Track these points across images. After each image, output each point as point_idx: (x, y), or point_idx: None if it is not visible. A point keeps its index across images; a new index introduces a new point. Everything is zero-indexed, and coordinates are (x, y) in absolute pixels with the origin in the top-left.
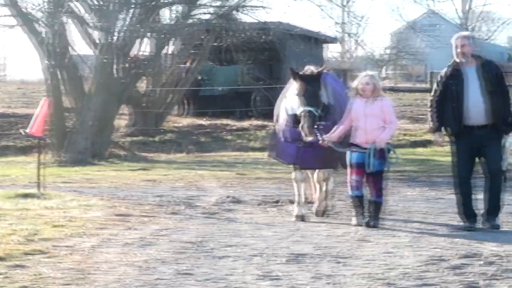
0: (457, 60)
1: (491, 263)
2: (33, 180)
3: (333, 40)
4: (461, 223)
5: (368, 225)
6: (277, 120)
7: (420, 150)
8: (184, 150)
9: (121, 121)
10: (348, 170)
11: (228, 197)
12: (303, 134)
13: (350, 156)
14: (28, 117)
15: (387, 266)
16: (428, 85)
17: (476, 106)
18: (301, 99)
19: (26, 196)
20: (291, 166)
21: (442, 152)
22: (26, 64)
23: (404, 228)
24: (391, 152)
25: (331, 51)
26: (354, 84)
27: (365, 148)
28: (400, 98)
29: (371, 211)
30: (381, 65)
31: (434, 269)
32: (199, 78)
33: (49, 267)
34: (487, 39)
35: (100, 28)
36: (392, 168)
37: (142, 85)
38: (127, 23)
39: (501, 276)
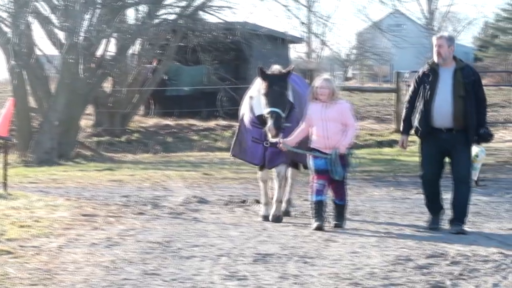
0: (435, 60)
1: (457, 263)
2: None
3: (299, 40)
4: (426, 224)
5: (337, 225)
6: (242, 120)
7: (386, 150)
8: (150, 150)
9: (87, 121)
10: (312, 175)
11: (194, 197)
12: (269, 135)
13: (313, 163)
14: None
15: (354, 266)
16: (394, 85)
17: (443, 108)
18: (268, 100)
19: None
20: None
21: (408, 152)
22: None
23: (371, 228)
24: (352, 155)
25: (297, 51)
26: (311, 89)
27: (326, 153)
28: (366, 98)
29: (335, 213)
30: (347, 65)
31: (400, 269)
32: (165, 78)
33: (15, 267)
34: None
35: (65, 28)
36: (358, 169)
37: (108, 85)
38: (92, 23)
39: (467, 276)
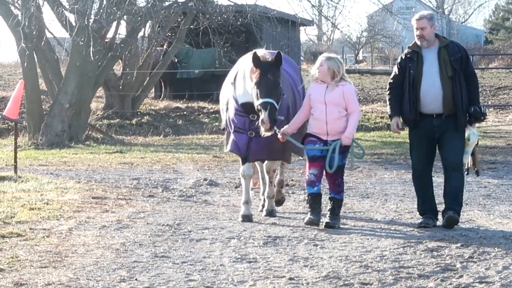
0: (418, 44)
1: (467, 246)
2: (10, 163)
3: (309, 23)
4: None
5: (328, 224)
6: (226, 109)
7: None
8: (161, 133)
9: (98, 104)
10: (306, 163)
11: (205, 179)
12: (262, 128)
13: (307, 147)
14: (4, 100)
15: (364, 248)
16: None
17: (432, 93)
18: (261, 89)
19: (2, 178)
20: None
21: None
22: (2, 46)
23: (381, 211)
24: (355, 146)
25: (308, 34)
26: (314, 68)
27: (324, 140)
28: (377, 81)
29: (330, 209)
30: (358, 48)
31: (411, 252)
32: (176, 61)
33: (26, 250)
34: (463, 22)
35: (75, 10)
36: (371, 152)
37: (119, 68)
38: (103, 5)
39: (477, 258)
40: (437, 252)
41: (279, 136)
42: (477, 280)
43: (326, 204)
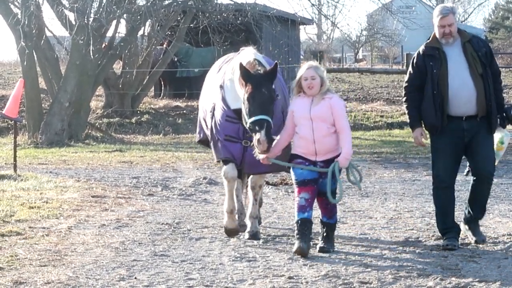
0: (443, 42)
1: (467, 244)
2: (9, 162)
3: (309, 21)
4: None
5: (322, 249)
6: (212, 116)
7: (396, 131)
8: (161, 131)
9: (97, 103)
10: (295, 188)
11: (204, 178)
12: (257, 149)
13: (295, 172)
14: (4, 98)
15: (364, 247)
16: (404, 67)
17: (463, 93)
18: (254, 105)
19: (2, 177)
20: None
21: None
22: (2, 45)
23: (381, 210)
24: (352, 169)
25: (307, 33)
26: (296, 79)
27: (313, 162)
28: (376, 80)
29: (322, 233)
30: (358, 46)
31: (410, 251)
32: (175, 59)
33: (25, 248)
34: (463, 21)
35: (75, 9)
36: (370, 151)
37: (118, 67)
38: (102, 4)
39: (478, 257)
40: (436, 251)
41: (261, 159)
42: (477, 280)
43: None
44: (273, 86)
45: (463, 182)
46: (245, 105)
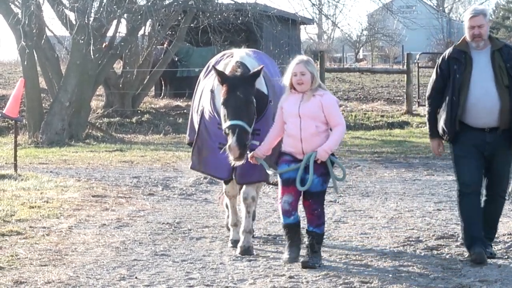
0: (468, 40)
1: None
2: (10, 161)
3: (310, 21)
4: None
5: (305, 264)
6: (202, 118)
7: (396, 131)
8: (161, 131)
9: (98, 102)
10: (280, 188)
11: (205, 178)
12: (230, 156)
13: (282, 170)
14: (4, 98)
15: (364, 247)
16: (404, 67)
17: (485, 103)
18: (229, 110)
19: (2, 177)
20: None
21: (419, 134)
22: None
23: (381, 209)
24: (335, 165)
25: (308, 33)
26: (286, 76)
27: (300, 160)
28: (377, 80)
29: (308, 245)
30: (358, 46)
31: (410, 250)
32: (176, 59)
33: (25, 248)
34: (463, 21)
35: (75, 9)
36: (371, 150)
37: (118, 67)
38: (103, 4)
39: None
40: (437, 250)
41: (249, 159)
42: (477, 280)
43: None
44: (252, 90)
45: None
46: (222, 109)
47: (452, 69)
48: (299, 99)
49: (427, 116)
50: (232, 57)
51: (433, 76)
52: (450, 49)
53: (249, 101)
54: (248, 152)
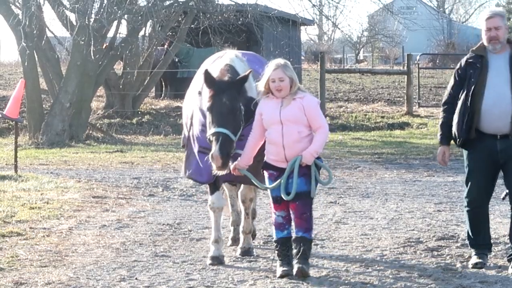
0: (485, 44)
1: (467, 246)
2: (10, 162)
3: (310, 22)
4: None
5: (297, 271)
6: (191, 124)
7: (397, 132)
8: (161, 132)
9: (98, 103)
10: (271, 203)
11: None
12: (213, 165)
13: (269, 184)
14: (5, 99)
15: (364, 248)
16: (405, 68)
17: (498, 108)
18: (214, 116)
19: (2, 178)
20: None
21: (419, 135)
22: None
23: (381, 210)
24: (321, 168)
25: (308, 34)
26: (262, 82)
27: (284, 169)
28: (377, 81)
29: (298, 252)
30: (359, 47)
31: (411, 251)
32: (176, 60)
33: (26, 249)
34: (464, 22)
35: (76, 10)
36: (371, 151)
37: (119, 67)
38: (103, 4)
39: None
40: (437, 251)
41: (232, 171)
42: (477, 280)
43: None
44: (240, 96)
45: None
46: (207, 115)
47: (468, 73)
48: (279, 104)
49: (440, 121)
50: (222, 58)
51: (451, 81)
52: (468, 54)
53: (235, 108)
54: (231, 162)
